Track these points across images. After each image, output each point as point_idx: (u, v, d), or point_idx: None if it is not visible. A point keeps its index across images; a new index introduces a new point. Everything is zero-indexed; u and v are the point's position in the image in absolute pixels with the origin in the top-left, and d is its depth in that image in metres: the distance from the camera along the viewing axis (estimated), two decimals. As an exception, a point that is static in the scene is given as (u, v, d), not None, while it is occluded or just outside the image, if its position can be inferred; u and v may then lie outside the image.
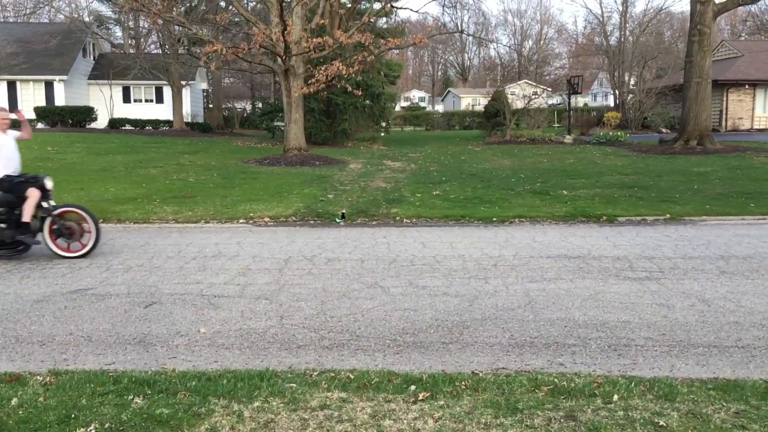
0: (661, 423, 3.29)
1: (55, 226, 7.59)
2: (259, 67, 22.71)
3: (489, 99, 30.86)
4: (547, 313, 5.26)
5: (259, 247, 8.17)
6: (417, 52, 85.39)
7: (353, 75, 19.97)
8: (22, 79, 31.69)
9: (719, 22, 51.49)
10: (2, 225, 7.50)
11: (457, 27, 55.74)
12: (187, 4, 32.67)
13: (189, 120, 35.06)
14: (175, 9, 23.32)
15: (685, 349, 4.48)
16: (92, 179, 14.76)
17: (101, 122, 32.85)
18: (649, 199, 11.66)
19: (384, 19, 32.29)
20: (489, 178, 14.94)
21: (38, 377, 3.95)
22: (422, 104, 76.27)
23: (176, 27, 28.86)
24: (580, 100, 54.08)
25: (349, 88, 20.49)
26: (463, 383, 3.80)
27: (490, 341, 4.67)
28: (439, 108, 70.97)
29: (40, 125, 30.12)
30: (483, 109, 30.58)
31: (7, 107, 7.43)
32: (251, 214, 10.54)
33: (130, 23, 39.22)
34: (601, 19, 47.90)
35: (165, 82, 33.48)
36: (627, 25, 44.65)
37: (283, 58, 18.85)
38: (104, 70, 34.86)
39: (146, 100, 36.13)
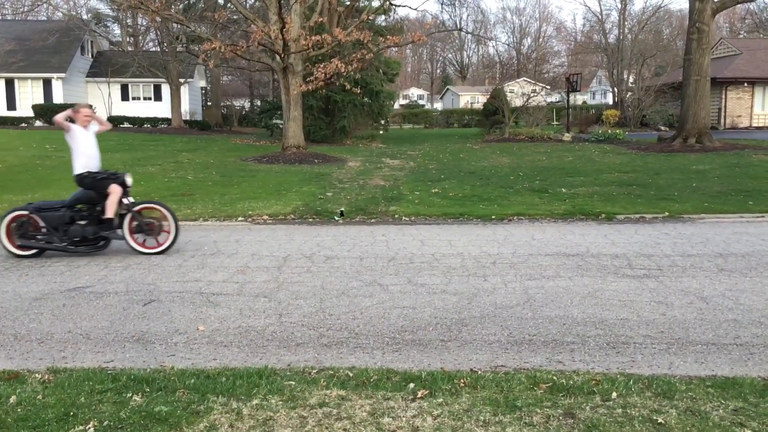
0: (660, 420, 3.30)
1: (135, 223, 7.63)
2: (257, 64, 22.70)
3: (488, 97, 30.86)
4: (546, 311, 5.27)
5: (257, 245, 8.16)
6: (416, 50, 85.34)
7: (352, 73, 19.95)
8: (20, 76, 31.63)
9: (718, 20, 51.51)
10: (83, 221, 7.55)
11: (455, 25, 55.79)
12: (186, 2, 32.62)
13: (187, 118, 35.02)
14: (173, 6, 23.31)
15: (684, 346, 4.49)
16: (91, 177, 14.72)
17: (99, 120, 32.77)
18: (648, 197, 11.67)
19: (383, 16, 32.23)
20: (488, 176, 14.94)
21: (37, 375, 3.95)
22: (421, 102, 76.24)
23: (174, 24, 28.82)
24: (578, 98, 54.08)
25: (348, 86, 20.47)
26: (461, 381, 3.80)
27: (489, 339, 4.67)
28: (438, 106, 70.94)
29: (38, 123, 30.07)
30: (482, 107, 30.58)
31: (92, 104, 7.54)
32: (250, 212, 10.53)
33: (129, 21, 39.14)
34: (599, 16, 47.91)
35: (163, 79, 33.43)
36: (626, 23, 44.68)
37: (282, 55, 18.83)
38: (102, 67, 34.81)
39: (144, 98, 36.07)
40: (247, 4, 30.82)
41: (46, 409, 3.44)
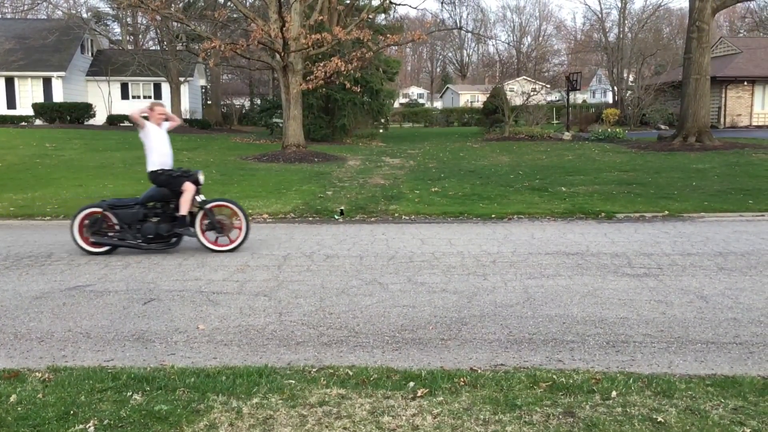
0: (659, 419, 3.30)
1: (206, 220, 7.67)
2: (257, 63, 22.70)
3: (488, 96, 30.86)
4: (546, 310, 5.27)
5: (257, 243, 8.16)
6: (415, 49, 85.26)
7: (352, 71, 19.95)
8: (20, 75, 31.62)
9: (718, 19, 51.49)
10: (156, 219, 7.60)
11: (455, 23, 55.77)
12: (186, 0, 32.59)
13: (187, 116, 35.00)
14: (173, 5, 23.29)
15: (684, 345, 4.49)
16: (90, 176, 14.75)
17: (99, 119, 32.80)
18: (648, 195, 11.67)
19: (382, 15, 32.23)
20: (487, 175, 14.94)
21: (37, 374, 3.95)
22: (421, 101, 76.21)
23: (174, 23, 28.80)
24: (578, 97, 54.04)
25: (348, 85, 20.47)
26: (461, 380, 3.81)
27: (489, 338, 4.67)
28: (438, 105, 70.91)
29: (38, 122, 30.07)
30: (482, 106, 30.58)
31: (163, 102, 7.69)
32: (250, 211, 10.52)
33: (129, 19, 39.16)
34: (599, 15, 47.92)
35: (163, 78, 33.41)
36: (626, 22, 44.67)
37: (282, 54, 18.82)
38: (102, 66, 34.79)
39: (145, 97, 35.98)
40: (247, 3, 30.81)
41: (46, 408, 3.45)
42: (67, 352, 4.48)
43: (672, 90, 31.47)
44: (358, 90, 22.23)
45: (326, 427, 3.28)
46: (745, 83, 31.75)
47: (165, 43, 33.84)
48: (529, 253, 7.43)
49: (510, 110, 27.95)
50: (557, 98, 43.61)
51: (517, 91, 32.10)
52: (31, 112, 30.47)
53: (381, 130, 32.28)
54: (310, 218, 10.19)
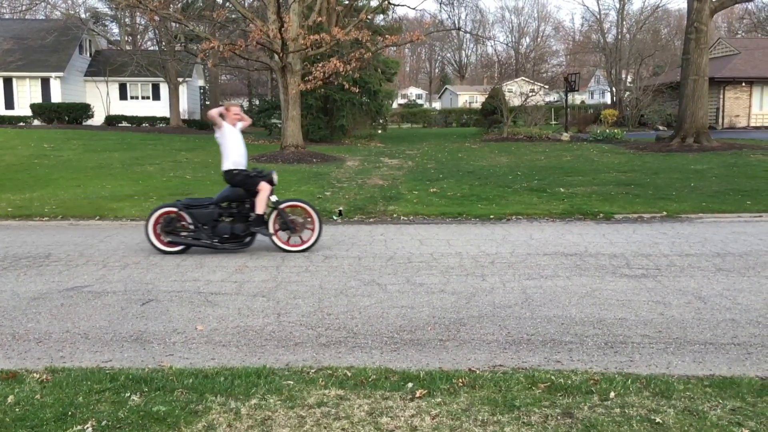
0: (658, 420, 3.30)
1: (280, 220, 7.70)
2: (256, 64, 22.69)
3: (486, 96, 30.86)
4: (544, 311, 5.27)
5: (255, 244, 8.15)
6: (414, 50, 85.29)
7: (350, 72, 19.94)
8: (18, 75, 31.57)
9: (716, 20, 51.56)
10: (230, 218, 7.62)
11: (454, 24, 55.80)
12: (184, 1, 32.58)
13: (186, 117, 34.99)
14: (172, 5, 23.27)
15: (682, 346, 4.49)
16: (89, 176, 14.73)
17: (98, 119, 32.77)
18: (646, 196, 11.68)
19: (381, 16, 32.23)
20: (486, 176, 14.94)
21: (35, 375, 3.95)
22: (419, 101, 76.18)
23: (173, 24, 28.78)
24: (577, 98, 54.08)
25: (347, 85, 20.47)
26: (460, 380, 3.81)
27: (487, 338, 4.67)
28: (437, 105, 70.92)
29: (36, 122, 30.03)
30: (480, 107, 30.59)
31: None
32: (248, 212, 10.51)
33: (127, 20, 39.12)
34: (598, 16, 47.98)
35: (162, 79, 33.39)
36: (624, 23, 44.70)
37: (281, 55, 18.82)
38: (101, 66, 34.75)
39: (143, 97, 36.02)
40: (246, 3, 30.78)
41: (44, 409, 3.44)
42: (65, 353, 4.47)
43: (670, 91, 31.51)
44: (357, 90, 22.23)
45: (325, 428, 3.28)
46: (743, 84, 31.78)
47: (163, 43, 33.82)
48: (528, 253, 7.43)
49: (508, 111, 27.96)
50: (556, 99, 43.63)
51: (515, 91, 32.09)
52: (29, 112, 30.43)
53: (380, 131, 32.28)
54: (309, 219, 10.18)
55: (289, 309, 5.40)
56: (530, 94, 29.65)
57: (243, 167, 7.75)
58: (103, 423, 3.30)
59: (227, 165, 7.67)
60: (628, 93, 36.60)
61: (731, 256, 7.18)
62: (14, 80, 31.82)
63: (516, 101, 29.87)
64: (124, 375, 3.90)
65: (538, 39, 77.23)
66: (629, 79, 41.58)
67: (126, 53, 34.88)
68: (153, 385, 3.75)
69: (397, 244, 8.09)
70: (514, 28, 78.68)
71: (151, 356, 4.41)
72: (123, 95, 35.58)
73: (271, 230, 7.65)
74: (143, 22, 38.20)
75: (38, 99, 31.48)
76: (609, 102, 45.92)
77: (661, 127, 31.36)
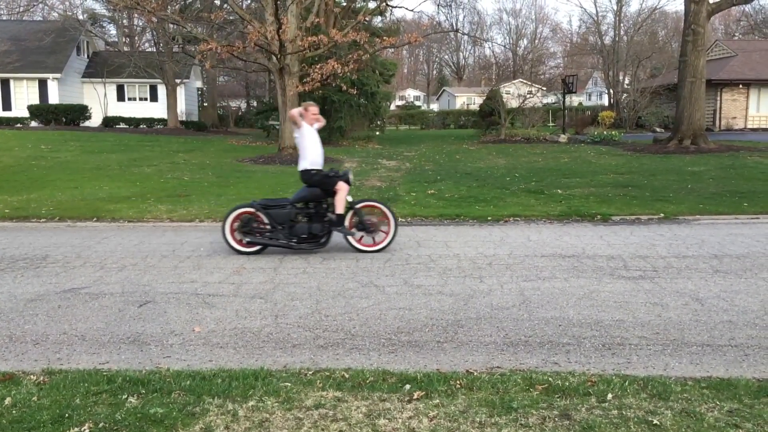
0: (655, 422, 3.31)
1: (355, 219, 7.70)
2: (254, 65, 22.68)
3: (484, 98, 30.87)
4: (542, 312, 5.27)
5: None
6: (412, 51, 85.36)
7: (348, 74, 19.96)
8: (16, 77, 31.52)
9: (713, 22, 51.67)
10: (306, 218, 7.63)
11: (452, 26, 55.84)
12: (182, 2, 32.55)
13: (183, 118, 34.96)
14: (169, 7, 23.26)
15: (679, 347, 4.50)
16: (86, 177, 14.71)
17: (95, 120, 32.73)
18: (643, 198, 11.69)
19: (379, 17, 32.26)
20: (484, 177, 14.95)
21: (32, 377, 3.94)
22: (417, 103, 76.23)
23: (171, 25, 28.74)
24: (574, 100, 54.12)
25: (344, 87, 20.47)
26: (457, 382, 3.81)
27: (485, 340, 4.68)
28: (434, 107, 70.99)
29: (33, 123, 29.99)
30: (478, 108, 30.61)
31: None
32: (246, 213, 10.50)
33: (125, 21, 39.09)
34: (595, 18, 48.06)
35: (159, 80, 33.36)
36: (621, 25, 44.83)
37: (278, 56, 18.83)
38: (98, 68, 34.71)
39: (141, 99, 35.99)
40: (244, 5, 30.77)
41: (41, 411, 3.43)
42: (62, 355, 4.46)
43: (667, 93, 31.57)
44: (355, 92, 22.25)
45: (322, 429, 3.27)
46: (740, 86, 31.86)
47: (161, 44, 33.82)
48: (525, 255, 7.44)
49: (506, 112, 27.98)
50: (553, 101, 43.68)
51: (513, 93, 32.13)
52: (26, 113, 30.38)
53: (377, 132, 32.28)
54: (307, 220, 10.17)
55: (286, 311, 5.39)
56: (528, 95, 29.69)
57: (320, 167, 7.77)
58: (100, 425, 3.29)
59: (305, 165, 7.68)
60: (625, 95, 36.66)
61: (728, 257, 7.19)
62: (11, 81, 31.77)
63: (514, 103, 29.90)
64: (121, 377, 3.90)
65: (536, 41, 77.36)
66: (627, 81, 41.66)
67: (124, 55, 34.84)
68: (150, 387, 3.75)
69: (394, 245, 8.09)
70: (511, 30, 78.80)
71: (148, 358, 4.40)
72: (120, 97, 35.54)
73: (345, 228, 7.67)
74: (141, 24, 38.20)
75: (35, 100, 31.44)
76: (606, 104, 46.01)
77: (658, 129, 31.41)
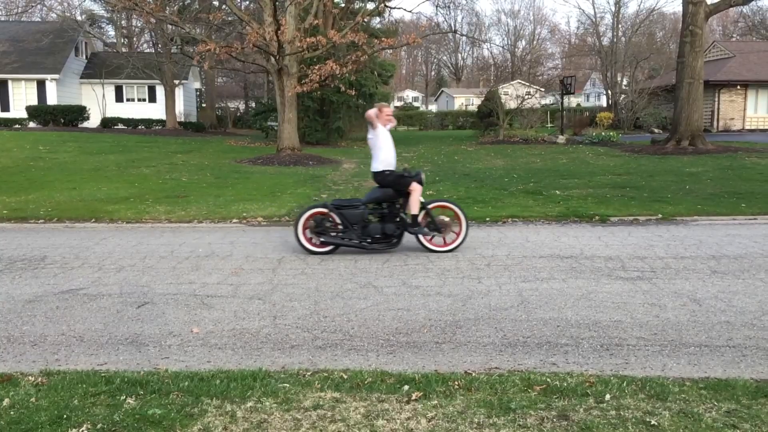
0: (653, 422, 3.31)
1: (427, 219, 7.71)
2: (252, 66, 22.69)
3: (482, 99, 30.89)
4: (540, 313, 5.28)
5: (252, 246, 8.15)
6: (410, 52, 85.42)
7: (347, 74, 19.96)
8: (14, 77, 31.50)
9: (711, 23, 51.78)
10: (377, 218, 7.65)
11: (450, 27, 55.85)
12: (180, 3, 32.55)
13: (182, 119, 34.95)
14: (168, 8, 23.26)
15: (677, 348, 4.50)
16: (84, 178, 14.70)
17: (93, 121, 32.70)
18: (641, 199, 11.70)
19: (377, 18, 32.29)
20: (482, 178, 14.96)
21: (30, 378, 3.93)
22: (416, 104, 76.27)
23: (169, 26, 28.75)
24: (572, 101, 54.20)
25: (343, 88, 20.48)
26: (456, 383, 3.81)
27: (483, 341, 4.68)
28: (433, 108, 71.01)
29: (31, 124, 29.96)
30: (476, 109, 30.62)
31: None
32: (244, 214, 10.52)
33: (123, 22, 39.08)
34: (593, 19, 48.11)
35: (158, 81, 33.36)
36: (619, 26, 44.87)
37: (277, 57, 18.82)
38: (97, 69, 34.70)
39: (139, 100, 35.98)
40: (242, 6, 30.80)
41: (39, 412, 3.43)
42: (60, 356, 4.46)
43: (665, 94, 31.60)
44: (353, 93, 22.25)
45: (320, 430, 3.27)
46: (738, 87, 31.90)
47: (159, 45, 33.80)
48: (524, 256, 7.44)
49: (504, 113, 28.00)
50: (551, 102, 43.70)
51: (511, 94, 32.16)
52: (24, 114, 30.35)
53: (376, 133, 32.22)
54: (305, 221, 10.17)
55: (285, 311, 5.39)
56: (526, 96, 29.71)
57: (393, 167, 7.78)
58: (99, 426, 3.29)
59: (379, 166, 7.69)
60: (623, 96, 36.70)
61: (726, 258, 7.20)
62: (10, 82, 31.74)
63: (512, 104, 29.92)
64: (119, 378, 3.89)
65: (534, 42, 77.41)
66: (625, 82, 41.70)
67: (122, 55, 34.84)
68: (148, 388, 3.75)
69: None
70: (510, 31, 78.82)
71: (146, 359, 4.40)
72: (119, 97, 35.52)
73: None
74: (139, 25, 38.17)
75: (34, 101, 31.41)
76: (604, 105, 46.03)
77: (656, 130, 31.45)
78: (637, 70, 38.12)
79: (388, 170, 7.70)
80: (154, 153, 20.84)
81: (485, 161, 19.26)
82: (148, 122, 33.40)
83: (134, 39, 40.81)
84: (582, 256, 7.42)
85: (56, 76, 31.68)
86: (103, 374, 3.99)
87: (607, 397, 3.62)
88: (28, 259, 7.46)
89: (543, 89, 46.74)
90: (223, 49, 18.32)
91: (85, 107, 31.76)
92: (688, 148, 20.50)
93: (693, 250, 7.65)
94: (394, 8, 31.51)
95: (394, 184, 7.68)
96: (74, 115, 30.87)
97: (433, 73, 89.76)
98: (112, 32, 42.83)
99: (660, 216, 10.13)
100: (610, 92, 41.83)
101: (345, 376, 3.93)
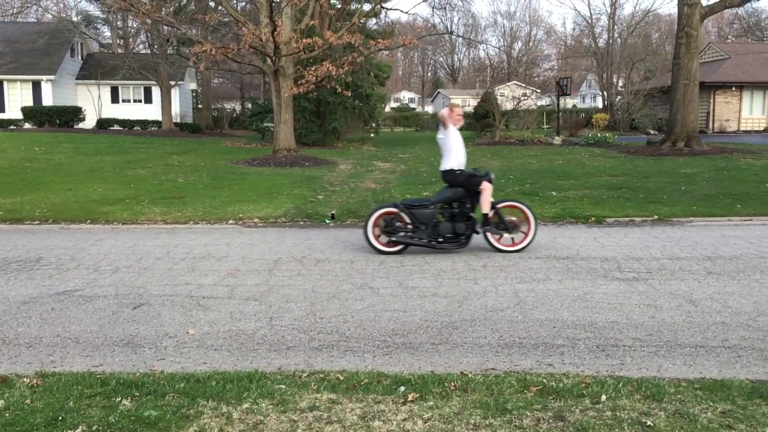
0: (649, 423, 3.32)
1: (497, 219, 7.73)
2: (248, 67, 22.65)
3: (478, 100, 30.94)
4: (536, 314, 5.28)
5: (248, 248, 8.14)
6: (407, 53, 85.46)
7: (343, 76, 19.96)
8: (9, 78, 31.40)
9: (706, 25, 51.92)
10: (446, 218, 7.66)
11: (446, 28, 55.85)
12: (176, 4, 32.50)
13: (178, 120, 34.89)
14: (163, 9, 23.22)
15: (673, 349, 4.51)
16: (80, 180, 14.66)
17: (89, 122, 32.63)
18: (637, 200, 11.73)
19: (374, 20, 32.33)
20: (478, 179, 14.95)
21: (25, 379, 3.92)
22: (412, 105, 76.37)
23: (165, 27, 28.72)
24: (568, 102, 54.31)
25: (339, 89, 20.48)
26: (452, 384, 3.81)
27: (480, 342, 4.68)
28: (429, 109, 71.04)
29: (27, 125, 29.87)
30: (472, 110, 30.65)
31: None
32: (240, 215, 10.50)
33: (119, 23, 38.98)
34: (589, 21, 48.18)
35: (154, 82, 33.30)
36: (615, 27, 44.97)
37: (273, 58, 18.81)
38: (92, 70, 34.61)
39: (135, 101, 35.89)
40: (238, 7, 30.76)
41: (34, 414, 3.42)
42: (55, 358, 4.44)
43: (661, 95, 31.69)
44: (349, 94, 22.25)
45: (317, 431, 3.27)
46: (734, 88, 32.01)
47: (155, 46, 33.73)
48: (520, 257, 7.45)
49: (501, 115, 28.04)
50: (547, 103, 43.80)
51: (507, 95, 32.23)
52: (20, 115, 30.26)
53: (372, 134, 32.31)
54: (301, 222, 10.18)
55: (281, 313, 5.39)
56: (522, 97, 29.76)
57: (464, 167, 7.80)
58: (94, 428, 3.28)
59: (449, 165, 7.71)
60: (619, 97, 36.78)
61: (722, 259, 7.23)
62: (5, 83, 31.64)
63: (508, 105, 29.99)
64: (114, 379, 3.88)
65: (530, 43, 77.56)
66: (620, 83, 41.82)
67: (118, 56, 34.75)
68: (144, 389, 3.74)
69: (389, 247, 8.09)
70: (506, 33, 79.00)
71: (142, 360, 4.39)
72: (115, 98, 35.43)
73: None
74: (135, 26, 38.06)
75: (29, 102, 31.32)
76: (600, 106, 46.16)
77: (652, 131, 31.53)
78: (633, 71, 38.25)
79: (459, 170, 7.72)
80: (150, 154, 20.80)
81: (481, 162, 19.26)
82: (144, 123, 33.33)
83: (130, 40, 40.71)
84: (578, 257, 7.43)
85: (52, 76, 31.59)
86: (98, 376, 3.97)
87: (603, 397, 3.62)
88: (23, 261, 7.43)
89: (539, 90, 46.77)
90: (219, 50, 18.29)
91: (80, 108, 31.68)
92: (684, 150, 20.55)
93: (689, 251, 7.67)
94: (390, 9, 31.50)
95: (465, 184, 7.71)
96: (70, 116, 30.80)
97: (429, 74, 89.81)
98: (107, 33, 42.76)
99: (656, 217, 10.16)
100: (605, 93, 41.93)
101: (341, 378, 3.93)
